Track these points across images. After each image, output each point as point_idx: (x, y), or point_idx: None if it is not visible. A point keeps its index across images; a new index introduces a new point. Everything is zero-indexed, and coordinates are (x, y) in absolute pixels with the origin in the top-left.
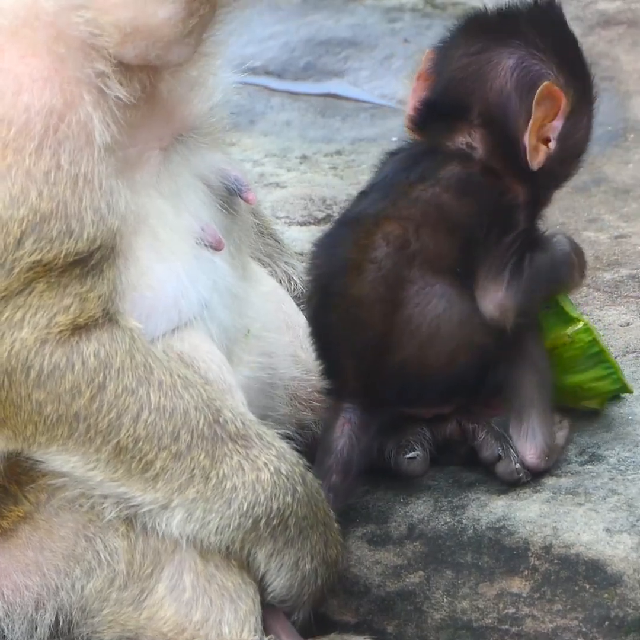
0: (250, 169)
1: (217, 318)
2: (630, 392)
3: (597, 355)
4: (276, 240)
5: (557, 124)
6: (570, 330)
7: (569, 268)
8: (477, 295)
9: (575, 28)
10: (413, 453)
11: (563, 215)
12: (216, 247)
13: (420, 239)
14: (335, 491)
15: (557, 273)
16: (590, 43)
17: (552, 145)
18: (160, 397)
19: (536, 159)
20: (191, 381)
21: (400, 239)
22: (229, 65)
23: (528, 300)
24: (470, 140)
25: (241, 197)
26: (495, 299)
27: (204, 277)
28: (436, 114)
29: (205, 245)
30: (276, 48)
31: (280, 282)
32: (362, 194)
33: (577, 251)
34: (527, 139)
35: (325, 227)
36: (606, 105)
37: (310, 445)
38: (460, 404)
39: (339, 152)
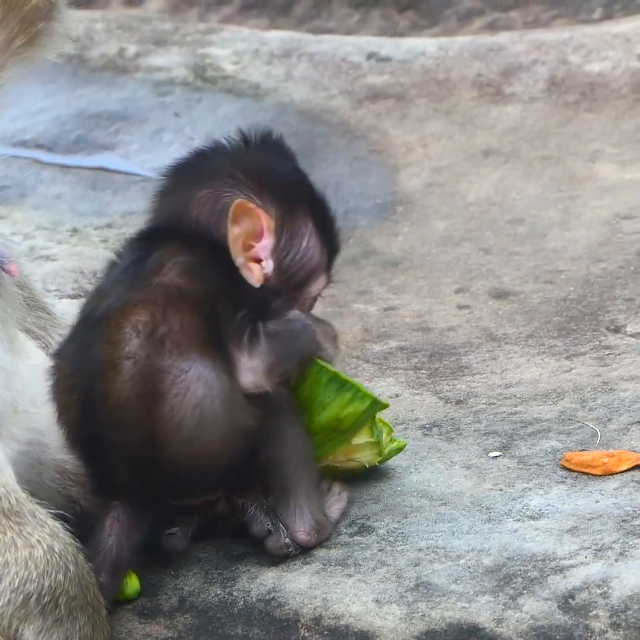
0: (21, 242)
1: None
2: (386, 406)
3: (333, 380)
4: (48, 313)
5: (265, 242)
6: None
7: (312, 335)
8: (235, 371)
9: (345, 102)
10: (172, 529)
11: (333, 287)
12: None
13: (168, 320)
14: (103, 589)
15: (298, 338)
16: (359, 117)
17: (266, 264)
18: None
19: (253, 278)
20: None
21: (149, 325)
22: None
23: (278, 361)
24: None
25: (3, 270)
26: (245, 365)
27: None
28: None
29: None
30: (47, 121)
31: None
32: (101, 291)
33: (317, 322)
34: (238, 259)
35: None
36: (375, 178)
37: (79, 520)
38: (230, 488)
39: (109, 225)
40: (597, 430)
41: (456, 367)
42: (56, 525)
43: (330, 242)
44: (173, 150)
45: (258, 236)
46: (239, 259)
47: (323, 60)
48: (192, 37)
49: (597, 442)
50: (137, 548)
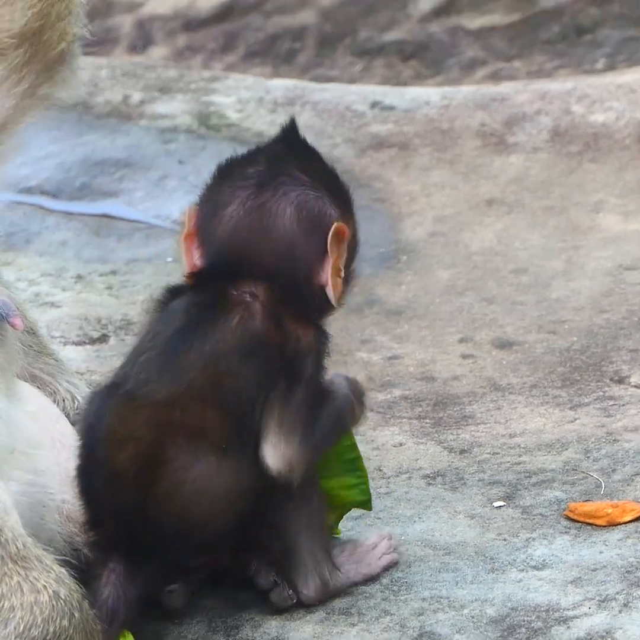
0: (26, 288)
1: None
2: (369, 509)
3: (353, 462)
4: (55, 360)
5: (343, 252)
6: None
7: (351, 411)
8: (262, 451)
9: (348, 150)
10: (172, 586)
11: (337, 335)
12: None
13: (187, 413)
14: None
15: (343, 419)
16: (362, 165)
17: (343, 273)
18: None
19: (337, 295)
20: None
21: (165, 413)
22: (5, 184)
23: (318, 451)
24: (253, 290)
25: (8, 322)
26: (285, 455)
27: None
28: (217, 271)
29: None
30: (52, 168)
31: (64, 400)
32: (136, 353)
33: (355, 389)
34: (328, 280)
35: (101, 346)
36: (378, 227)
37: (83, 569)
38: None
39: (114, 272)
40: (601, 481)
41: (460, 417)
42: (62, 571)
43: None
44: (177, 197)
45: (342, 250)
46: (333, 279)
47: (327, 109)
48: (197, 84)
49: (601, 492)
50: (135, 603)
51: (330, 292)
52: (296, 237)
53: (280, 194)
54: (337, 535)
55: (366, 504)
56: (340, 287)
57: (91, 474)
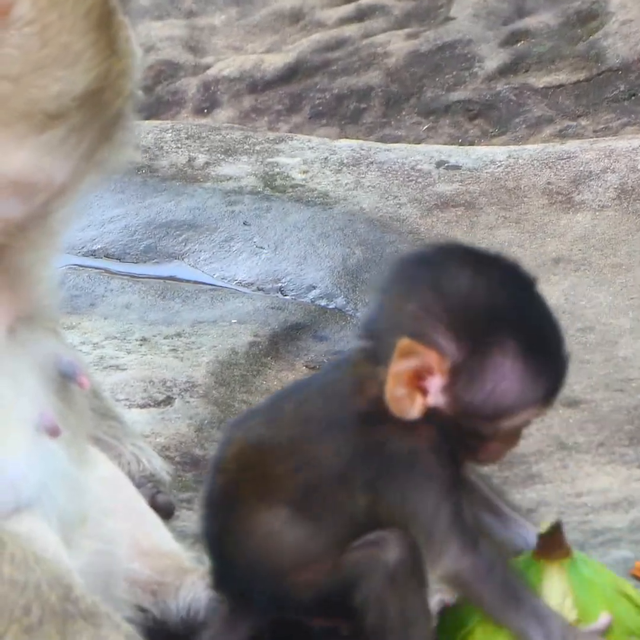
0: (90, 351)
1: (54, 503)
2: None
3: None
4: (120, 422)
5: (437, 380)
6: None
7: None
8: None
9: (414, 210)
10: None
11: None
12: (53, 433)
13: (266, 461)
14: None
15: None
16: (428, 225)
17: (435, 399)
18: (13, 571)
19: (404, 409)
20: (41, 557)
21: (243, 461)
22: (70, 247)
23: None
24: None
25: (75, 382)
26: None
27: (42, 462)
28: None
29: (42, 430)
30: (116, 231)
31: (129, 463)
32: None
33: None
34: (387, 389)
35: (166, 408)
36: None
37: (149, 628)
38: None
39: (179, 334)
40: None
41: (526, 476)
42: (129, 628)
43: (543, 378)
44: (242, 259)
45: (427, 373)
46: (392, 391)
47: (392, 169)
48: (262, 146)
49: None
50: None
51: (389, 401)
52: (387, 334)
53: (406, 295)
54: None
55: None
56: (416, 404)
57: (205, 500)
